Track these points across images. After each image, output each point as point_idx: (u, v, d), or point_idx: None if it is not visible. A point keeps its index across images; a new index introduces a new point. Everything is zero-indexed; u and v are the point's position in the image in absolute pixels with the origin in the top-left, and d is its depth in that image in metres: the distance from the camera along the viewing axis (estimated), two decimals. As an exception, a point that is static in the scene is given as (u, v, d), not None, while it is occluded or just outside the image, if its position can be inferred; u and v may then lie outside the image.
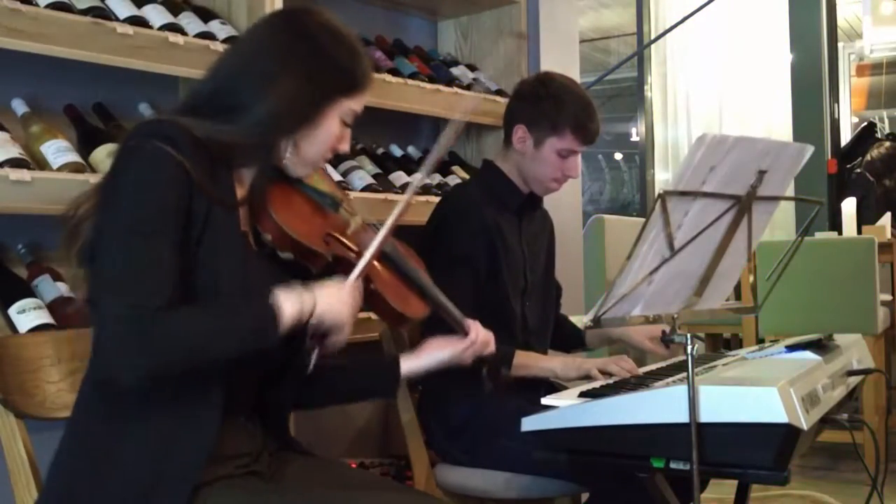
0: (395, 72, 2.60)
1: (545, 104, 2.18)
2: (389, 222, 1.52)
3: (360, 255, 1.51)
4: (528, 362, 2.09)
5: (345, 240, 1.55)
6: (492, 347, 1.69)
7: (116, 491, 1.29)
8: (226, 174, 1.41)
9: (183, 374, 1.28)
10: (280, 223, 1.47)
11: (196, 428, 1.33)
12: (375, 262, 1.57)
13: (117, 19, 1.93)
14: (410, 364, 1.66)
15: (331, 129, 1.48)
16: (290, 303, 1.35)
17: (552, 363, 2.10)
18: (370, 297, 1.56)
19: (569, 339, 2.43)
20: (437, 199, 2.38)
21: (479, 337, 1.67)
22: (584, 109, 2.18)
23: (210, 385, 1.34)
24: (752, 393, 1.34)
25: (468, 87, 2.83)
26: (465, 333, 1.66)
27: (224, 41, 2.15)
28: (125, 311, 1.23)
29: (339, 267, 1.53)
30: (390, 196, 2.46)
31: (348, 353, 1.54)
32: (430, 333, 1.71)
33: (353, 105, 1.50)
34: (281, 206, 1.48)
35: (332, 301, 1.41)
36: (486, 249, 2.14)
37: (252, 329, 1.33)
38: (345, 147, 1.53)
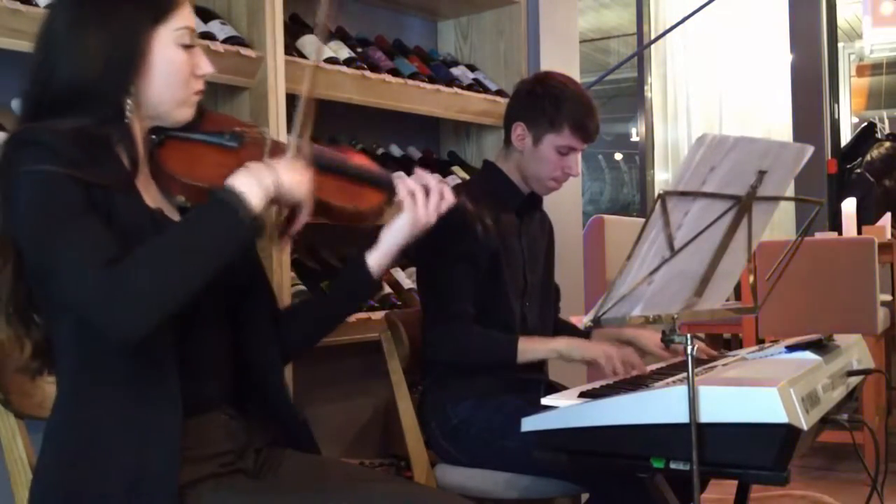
0: (395, 72, 2.60)
1: (543, 101, 2.18)
2: (299, 118, 1.43)
3: None
4: (532, 346, 2.08)
5: None
6: (443, 188, 1.55)
7: (96, 497, 1.29)
8: (107, 155, 1.33)
9: (186, 298, 1.24)
10: (186, 179, 1.38)
11: (160, 430, 1.31)
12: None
13: (117, 19, 1.92)
14: (376, 256, 1.56)
15: (169, 60, 1.37)
16: (250, 185, 1.28)
17: (556, 343, 2.09)
18: (320, 209, 1.48)
19: None
20: (437, 199, 2.38)
21: (409, 184, 1.53)
22: (583, 107, 2.18)
23: (167, 384, 1.32)
24: (752, 393, 1.34)
25: (468, 88, 2.83)
26: (393, 191, 1.54)
27: (224, 41, 2.15)
28: (97, 274, 1.19)
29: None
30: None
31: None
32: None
33: (178, 23, 1.38)
34: (179, 162, 1.40)
35: (292, 172, 1.34)
36: (485, 249, 2.14)
37: (227, 228, 1.26)
38: (207, 68, 1.42)
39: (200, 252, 1.25)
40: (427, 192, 1.53)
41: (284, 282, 2.22)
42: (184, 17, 1.39)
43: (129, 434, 1.30)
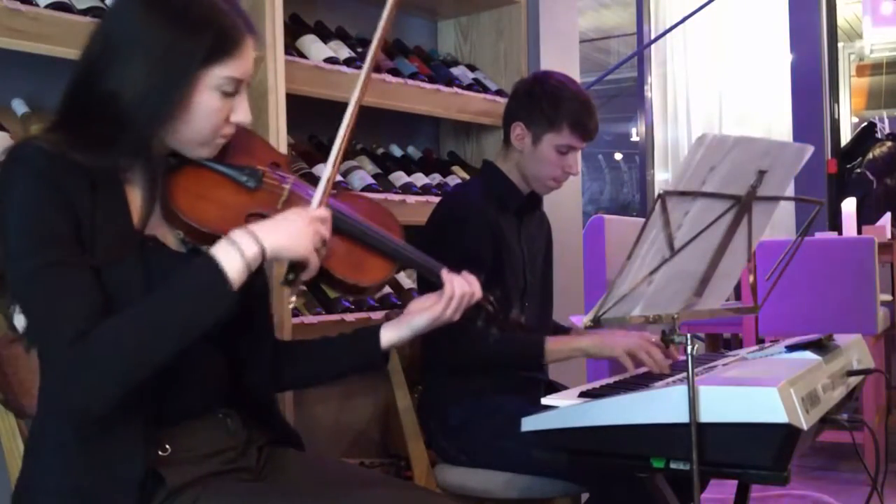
0: (395, 72, 2.60)
1: (542, 101, 2.18)
2: (324, 180, 1.37)
3: None
4: (560, 346, 2.07)
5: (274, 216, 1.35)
6: (477, 295, 1.52)
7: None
8: (111, 185, 1.29)
9: (154, 372, 1.22)
10: (186, 218, 1.30)
11: (122, 440, 1.28)
12: None
13: (117, 19, 1.92)
14: (391, 334, 1.55)
15: (208, 106, 1.31)
16: (230, 257, 1.23)
17: (581, 342, 2.07)
18: (320, 275, 1.38)
19: None
20: (436, 199, 2.38)
21: (457, 290, 1.49)
22: (582, 105, 2.19)
23: (131, 398, 1.25)
24: (752, 393, 1.34)
25: (468, 88, 2.83)
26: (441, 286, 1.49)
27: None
28: (63, 347, 1.18)
29: None
30: (390, 196, 2.46)
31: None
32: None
33: (227, 72, 1.31)
34: (186, 197, 1.32)
35: (280, 236, 1.27)
36: (489, 249, 2.14)
37: (203, 304, 1.23)
38: (242, 118, 1.36)
39: (172, 329, 1.22)
40: (468, 295, 1.51)
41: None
42: (237, 68, 1.32)
43: (88, 444, 1.28)
